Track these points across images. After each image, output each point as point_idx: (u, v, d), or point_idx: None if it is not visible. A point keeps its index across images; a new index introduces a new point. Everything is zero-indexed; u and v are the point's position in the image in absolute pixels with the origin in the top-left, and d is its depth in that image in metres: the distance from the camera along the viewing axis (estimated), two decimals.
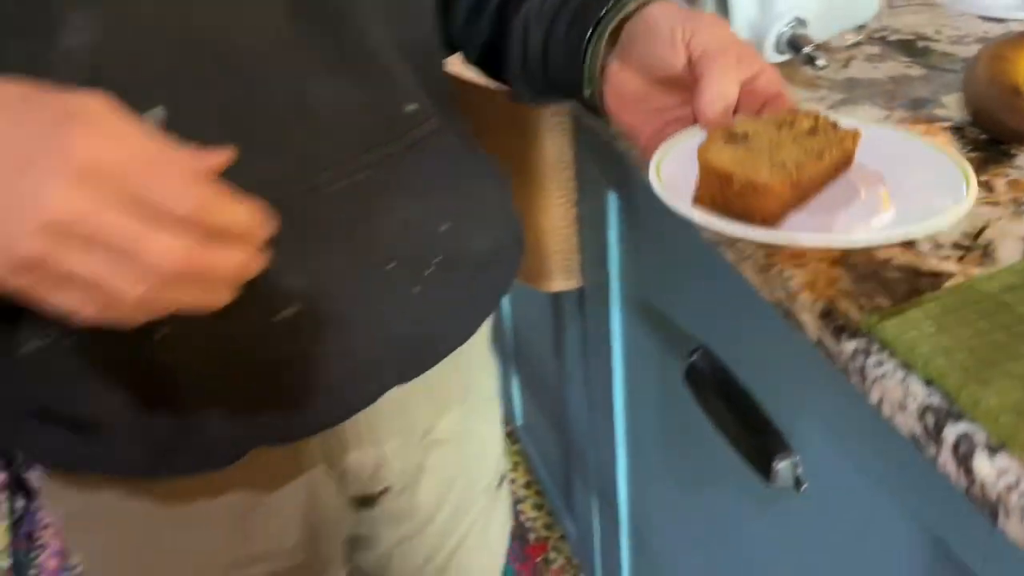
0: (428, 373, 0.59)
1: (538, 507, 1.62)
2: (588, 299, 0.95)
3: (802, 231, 0.45)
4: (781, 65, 0.73)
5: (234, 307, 0.50)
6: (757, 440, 0.64)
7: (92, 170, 0.33)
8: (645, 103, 0.55)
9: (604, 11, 0.55)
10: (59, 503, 0.64)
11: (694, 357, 0.72)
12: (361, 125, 0.52)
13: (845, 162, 0.50)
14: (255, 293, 0.51)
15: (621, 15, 0.55)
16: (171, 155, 0.36)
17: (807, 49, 0.69)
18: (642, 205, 0.77)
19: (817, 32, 0.72)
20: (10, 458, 0.66)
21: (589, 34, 0.56)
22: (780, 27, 0.69)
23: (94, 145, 0.34)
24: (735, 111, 0.51)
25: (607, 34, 0.55)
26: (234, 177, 0.38)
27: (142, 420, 0.53)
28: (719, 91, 0.49)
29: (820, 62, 0.69)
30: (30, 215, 0.33)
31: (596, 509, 1.17)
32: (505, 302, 1.29)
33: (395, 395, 0.58)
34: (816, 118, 0.50)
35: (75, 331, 0.49)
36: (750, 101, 0.51)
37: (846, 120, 0.51)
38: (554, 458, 1.37)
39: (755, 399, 0.66)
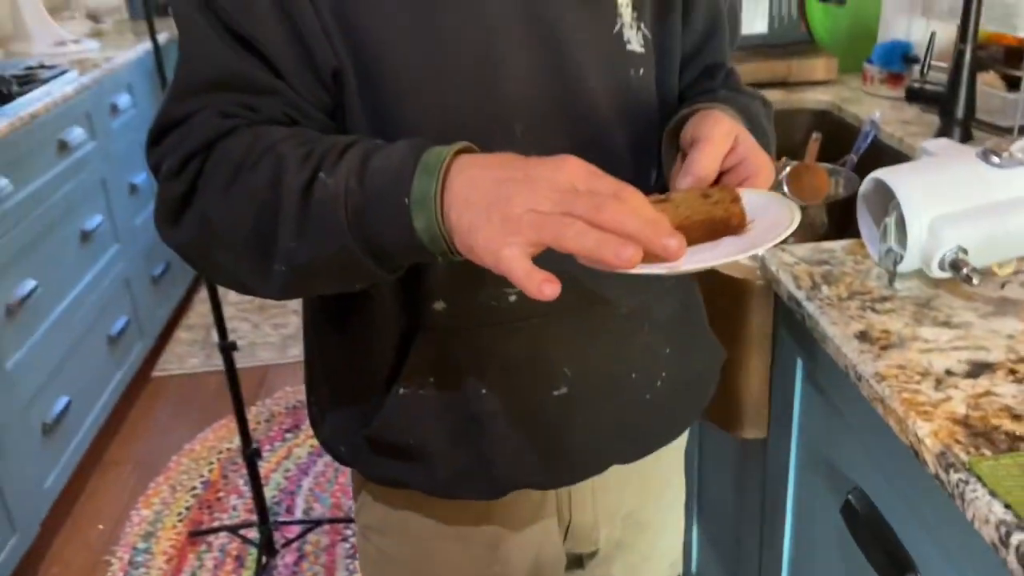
0: (641, 461, 0.83)
1: None
2: (771, 447, 1.15)
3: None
4: (946, 280, 0.94)
5: (529, 381, 0.77)
6: (891, 561, 0.82)
7: (583, 166, 0.55)
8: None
9: (684, 110, 0.76)
10: (363, 514, 0.90)
11: (850, 495, 0.91)
12: (628, 286, 0.78)
13: (729, 223, 0.63)
14: (542, 372, 0.77)
15: (687, 110, 0.76)
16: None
17: (965, 270, 0.90)
18: (822, 372, 0.98)
19: (978, 258, 0.92)
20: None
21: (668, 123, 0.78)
22: (944, 251, 0.91)
23: (579, 166, 0.56)
24: (717, 182, 0.68)
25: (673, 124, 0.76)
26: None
27: (455, 452, 0.79)
28: (690, 168, 0.67)
29: (975, 281, 0.89)
30: (533, 191, 0.54)
31: None
32: (695, 448, 1.50)
33: (614, 473, 0.82)
34: (722, 191, 0.65)
35: (430, 383, 0.77)
36: (730, 180, 0.69)
37: (749, 192, 0.66)
38: None
39: (892, 528, 0.84)
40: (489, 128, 0.70)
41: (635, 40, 0.74)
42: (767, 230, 0.62)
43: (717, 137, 0.68)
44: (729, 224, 0.63)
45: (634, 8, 0.74)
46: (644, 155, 0.78)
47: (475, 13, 0.68)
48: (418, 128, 0.69)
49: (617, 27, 0.73)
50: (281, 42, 0.66)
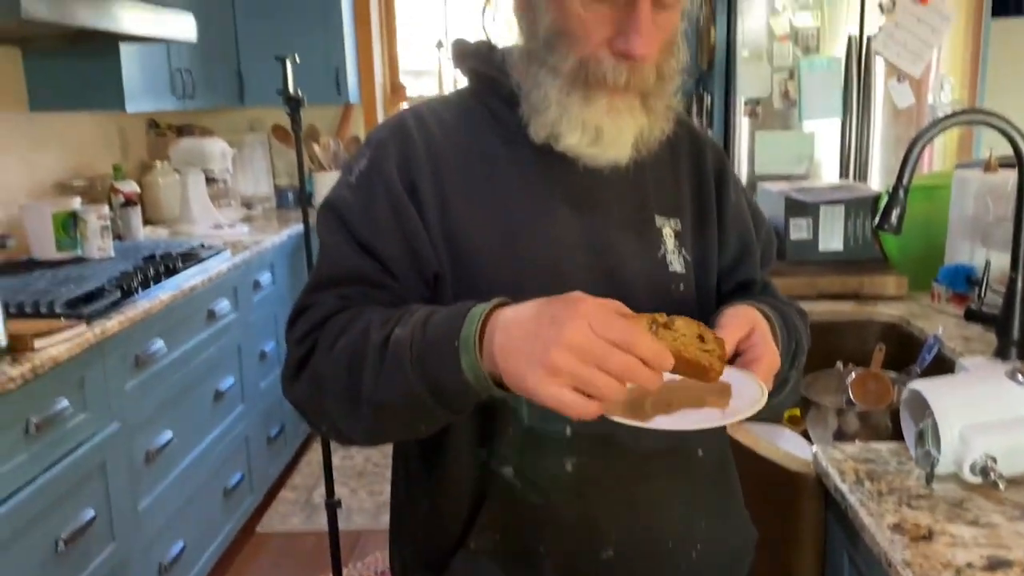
0: None
1: None
2: None
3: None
4: (980, 484, 1.04)
5: (581, 542, 0.91)
6: None
7: (596, 304, 0.70)
8: None
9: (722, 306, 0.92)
10: None
11: None
12: (669, 463, 0.93)
13: (707, 372, 0.76)
14: (592, 535, 0.91)
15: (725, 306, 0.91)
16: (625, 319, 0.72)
17: (993, 476, 1.01)
18: (862, 560, 1.08)
19: (1008, 466, 1.03)
20: None
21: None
22: (974, 458, 1.02)
23: (593, 309, 0.70)
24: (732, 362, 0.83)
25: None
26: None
27: None
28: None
29: (1001, 487, 1.00)
30: (561, 339, 0.68)
31: None
32: None
33: None
34: (716, 342, 0.79)
35: (496, 540, 0.91)
36: (740, 361, 0.83)
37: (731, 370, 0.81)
38: None
39: None
40: None
41: (676, 262, 0.94)
42: (737, 408, 0.79)
43: (735, 324, 0.85)
44: (707, 373, 0.77)
45: (676, 238, 0.94)
46: None
47: (547, 238, 0.89)
48: None
49: (661, 252, 0.93)
50: (396, 251, 0.87)
